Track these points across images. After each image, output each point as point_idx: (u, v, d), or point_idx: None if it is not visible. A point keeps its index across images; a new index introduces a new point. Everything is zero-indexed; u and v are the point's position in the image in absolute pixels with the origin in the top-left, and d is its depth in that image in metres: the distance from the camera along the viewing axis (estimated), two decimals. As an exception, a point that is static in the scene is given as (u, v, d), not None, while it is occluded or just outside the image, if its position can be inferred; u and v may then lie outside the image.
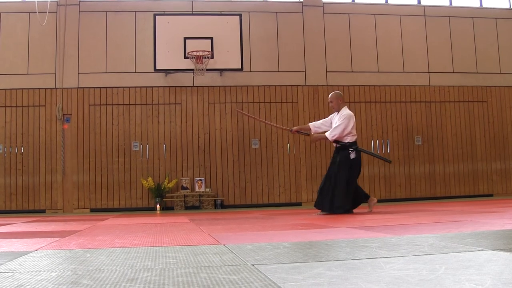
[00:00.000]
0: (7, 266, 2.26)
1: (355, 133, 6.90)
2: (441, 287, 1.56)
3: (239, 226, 4.87)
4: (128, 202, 11.35)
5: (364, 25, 12.54)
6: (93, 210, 11.16)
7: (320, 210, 6.81)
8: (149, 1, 12.03)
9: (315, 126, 7.18)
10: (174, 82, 11.75)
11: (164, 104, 11.68)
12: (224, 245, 3.02)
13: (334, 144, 6.97)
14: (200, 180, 11.46)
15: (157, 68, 11.14)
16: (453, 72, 12.73)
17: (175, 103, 11.72)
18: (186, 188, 11.41)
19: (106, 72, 11.63)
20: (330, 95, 7.07)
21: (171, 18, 11.28)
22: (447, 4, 13.14)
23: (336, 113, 6.98)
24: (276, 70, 12.07)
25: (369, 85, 12.31)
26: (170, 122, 11.68)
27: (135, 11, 11.87)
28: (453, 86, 12.66)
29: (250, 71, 11.91)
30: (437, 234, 3.29)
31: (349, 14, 12.53)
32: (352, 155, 6.77)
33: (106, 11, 11.82)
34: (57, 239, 3.73)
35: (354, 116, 6.91)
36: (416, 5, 12.92)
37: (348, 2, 12.70)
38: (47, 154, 11.27)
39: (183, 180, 11.45)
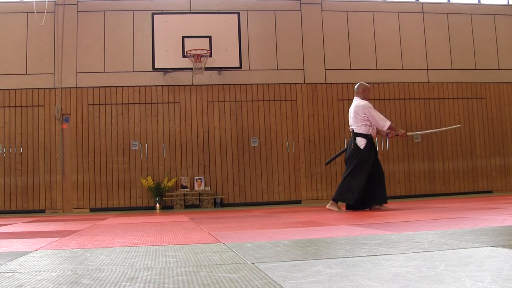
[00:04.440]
0: (7, 266, 2.26)
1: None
2: (441, 284, 1.56)
3: (239, 224, 4.87)
4: (128, 202, 11.35)
5: (362, 22, 12.53)
6: (92, 210, 11.16)
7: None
8: (147, 0, 12.01)
9: None
10: (173, 81, 11.74)
11: (163, 103, 11.67)
12: (224, 243, 3.02)
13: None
14: (200, 179, 11.46)
15: (156, 67, 11.13)
16: (452, 69, 12.73)
17: (174, 102, 11.71)
18: (185, 187, 11.41)
19: (104, 72, 11.62)
20: None
21: (169, 17, 11.27)
22: (445, 0, 13.14)
23: None
24: (274, 68, 12.07)
25: (368, 83, 12.24)
26: (169, 121, 11.67)
27: (133, 11, 11.85)
28: (452, 82, 12.66)
29: (249, 70, 11.91)
30: (436, 231, 3.29)
31: (347, 11, 12.53)
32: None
33: (104, 11, 11.80)
34: (57, 239, 3.73)
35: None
36: (414, 2, 12.92)
37: (346, 0, 12.69)
38: (46, 154, 11.26)
39: (183, 179, 11.46)
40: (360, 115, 6.74)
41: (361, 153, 6.66)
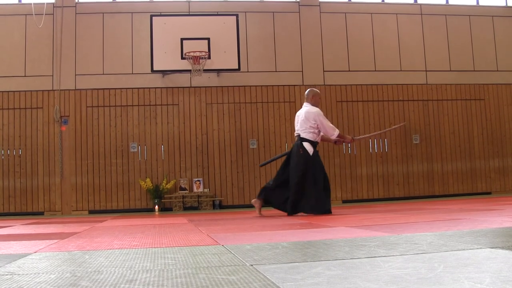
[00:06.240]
0: (6, 269, 2.26)
1: None
2: (440, 286, 1.56)
3: (238, 226, 4.87)
4: (127, 204, 11.34)
5: (360, 24, 12.54)
6: (91, 212, 11.15)
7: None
8: (146, 2, 12.02)
9: None
10: (172, 83, 11.74)
11: (161, 105, 11.67)
12: (222, 245, 3.02)
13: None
14: (199, 180, 11.46)
15: (154, 69, 11.13)
16: (450, 70, 12.74)
17: (172, 104, 11.71)
18: (184, 189, 11.40)
19: (103, 74, 11.61)
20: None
21: (168, 19, 11.27)
22: (444, 2, 13.16)
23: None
24: (273, 70, 12.07)
25: (367, 84, 12.31)
26: (167, 123, 11.67)
27: (131, 13, 11.86)
28: (451, 84, 12.68)
29: (248, 71, 11.91)
30: (435, 232, 3.29)
31: (345, 13, 12.54)
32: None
33: (103, 13, 11.81)
34: (55, 241, 3.73)
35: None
36: (412, 4, 12.93)
37: (344, 2, 12.71)
38: (45, 156, 11.25)
39: (182, 181, 11.45)
40: (310, 121, 6.75)
41: (311, 159, 6.67)
